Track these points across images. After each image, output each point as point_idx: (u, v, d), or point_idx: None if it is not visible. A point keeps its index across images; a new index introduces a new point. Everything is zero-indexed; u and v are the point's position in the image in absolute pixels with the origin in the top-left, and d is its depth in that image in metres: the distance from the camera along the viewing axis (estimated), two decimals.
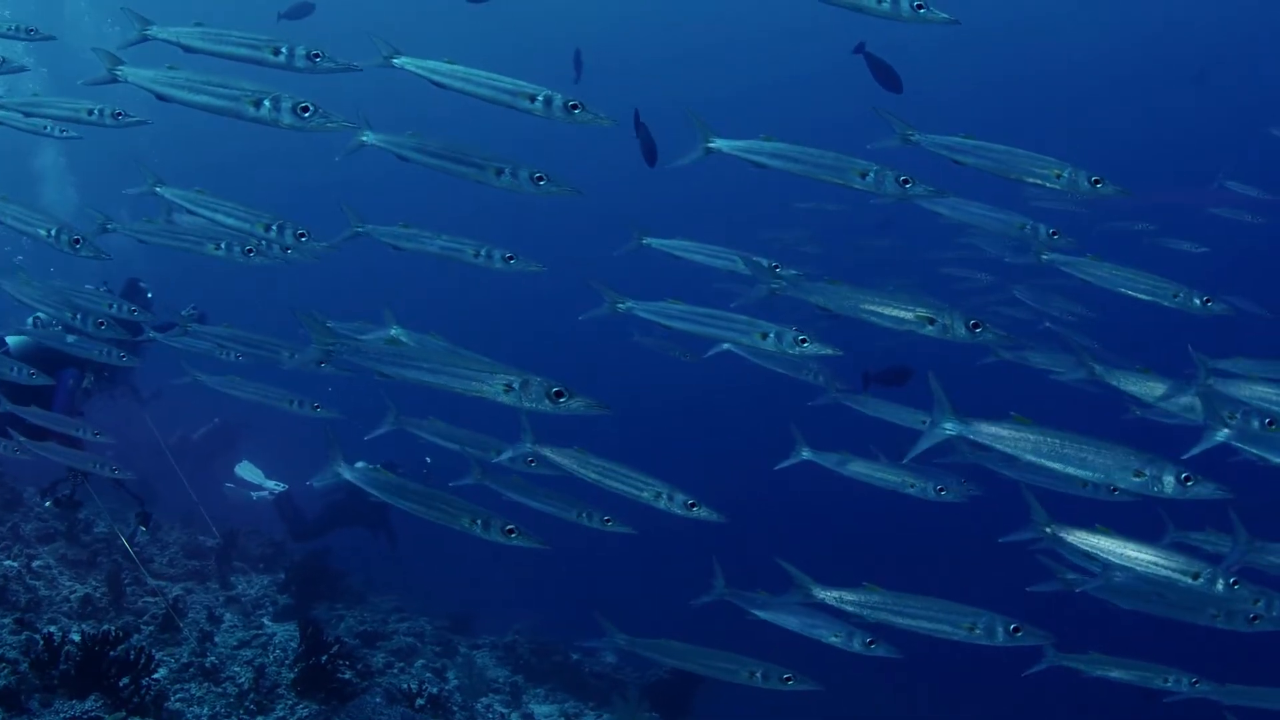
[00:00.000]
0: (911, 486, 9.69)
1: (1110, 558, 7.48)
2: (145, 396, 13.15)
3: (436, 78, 7.28)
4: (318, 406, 10.12)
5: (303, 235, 8.36)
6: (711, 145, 7.69)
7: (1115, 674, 8.74)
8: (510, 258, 8.36)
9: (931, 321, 7.43)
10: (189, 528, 14.34)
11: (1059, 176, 7.52)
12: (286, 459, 16.33)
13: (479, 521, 7.82)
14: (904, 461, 8.28)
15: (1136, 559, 7.45)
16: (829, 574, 7.86)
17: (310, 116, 6.94)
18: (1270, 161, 19.57)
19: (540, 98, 7.19)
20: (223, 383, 10.33)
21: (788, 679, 8.31)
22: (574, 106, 7.17)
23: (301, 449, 15.21)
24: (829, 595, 7.75)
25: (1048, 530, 7.45)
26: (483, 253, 8.36)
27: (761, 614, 8.58)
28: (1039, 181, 7.57)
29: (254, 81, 7.00)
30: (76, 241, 8.46)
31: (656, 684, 13.18)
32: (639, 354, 13.32)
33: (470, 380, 6.69)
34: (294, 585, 12.57)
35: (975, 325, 7.44)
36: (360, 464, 14.23)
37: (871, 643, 8.26)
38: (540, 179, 7.54)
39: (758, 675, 8.35)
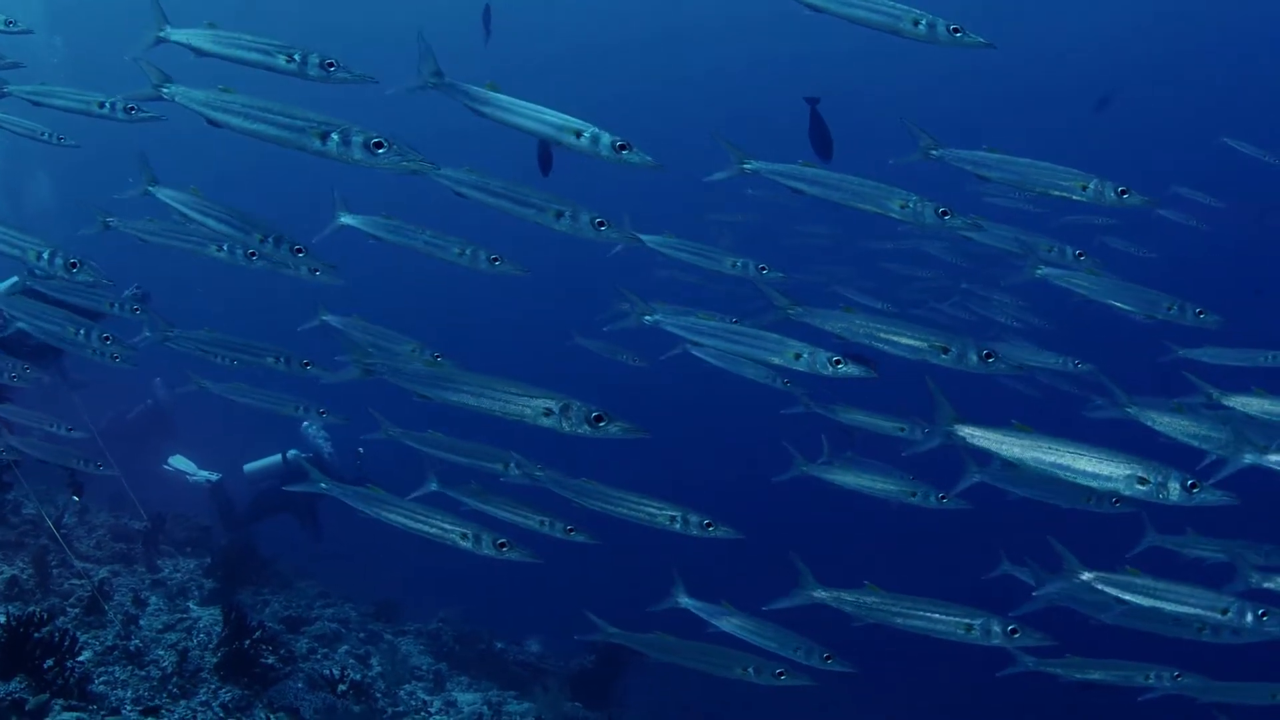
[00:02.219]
0: (913, 496, 9.93)
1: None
2: (75, 381, 13.16)
3: (476, 105, 7.03)
4: (323, 411, 10.15)
5: (300, 251, 8.11)
6: (748, 167, 7.67)
7: (1095, 675, 8.81)
8: (495, 259, 8.26)
9: (946, 351, 7.51)
10: (117, 510, 14.39)
11: (1085, 189, 7.50)
12: (219, 444, 16.35)
13: (470, 536, 8.02)
14: (904, 456, 8.35)
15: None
16: (827, 574, 7.98)
17: (385, 154, 6.45)
18: (1222, 169, 19.89)
19: (587, 134, 7.00)
20: (228, 389, 10.35)
21: (780, 674, 8.37)
22: (622, 147, 6.99)
23: (233, 434, 15.31)
24: (828, 595, 7.86)
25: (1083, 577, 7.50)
26: (468, 252, 8.27)
27: (722, 625, 8.70)
28: (1065, 194, 7.53)
29: (305, 102, 6.61)
30: (74, 265, 8.24)
31: (580, 673, 13.30)
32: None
33: (510, 404, 6.77)
34: (220, 570, 12.62)
35: (988, 355, 7.55)
36: (292, 453, 14.41)
37: (828, 657, 8.40)
38: (601, 224, 7.48)
39: (750, 670, 8.42)
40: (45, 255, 8.21)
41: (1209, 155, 18.96)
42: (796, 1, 6.79)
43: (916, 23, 6.69)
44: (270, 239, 7.99)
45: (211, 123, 6.65)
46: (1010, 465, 7.21)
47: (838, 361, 7.61)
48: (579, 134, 6.96)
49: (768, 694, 12.78)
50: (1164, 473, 6.78)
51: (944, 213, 7.48)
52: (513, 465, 8.97)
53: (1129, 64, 44.51)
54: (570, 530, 8.49)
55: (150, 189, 8.19)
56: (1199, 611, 7.49)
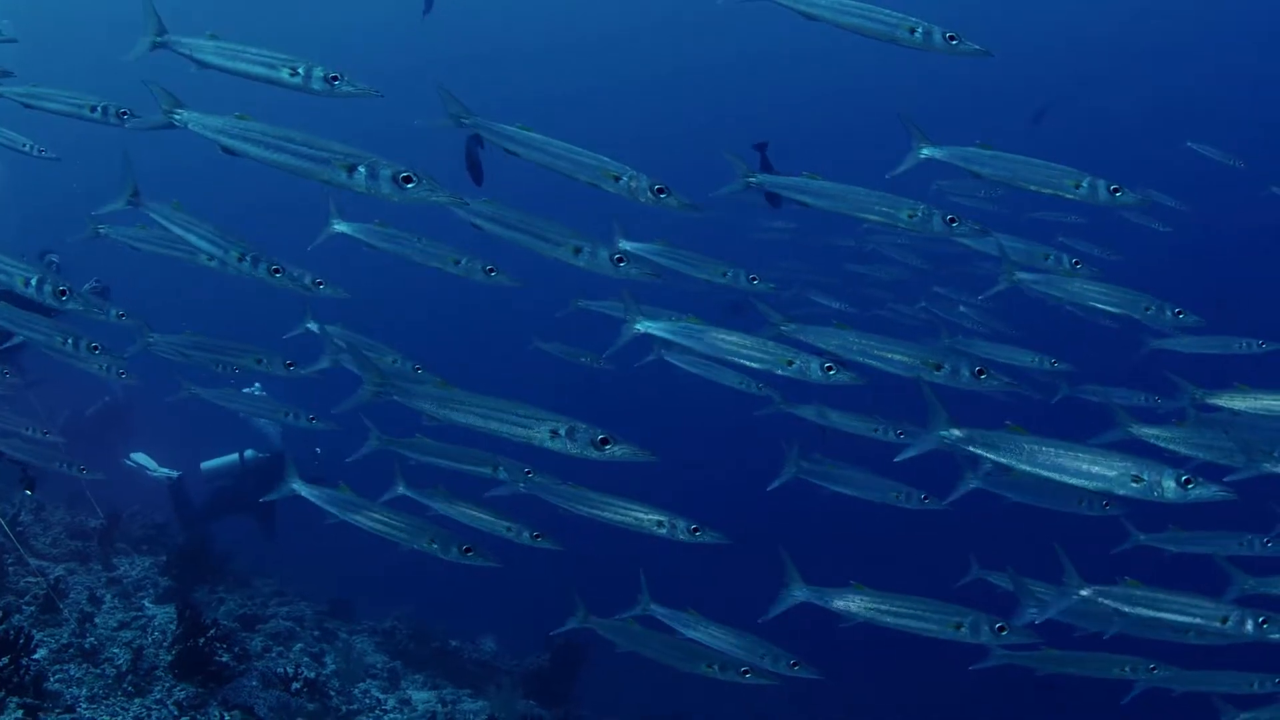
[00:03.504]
0: (897, 497, 10.05)
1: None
2: (31, 378, 13.15)
3: (510, 145, 6.98)
4: (313, 418, 10.14)
5: (277, 271, 7.97)
6: (752, 180, 7.69)
7: (1069, 669, 8.82)
8: (491, 270, 8.21)
9: (938, 368, 7.63)
10: (73, 508, 14.40)
11: (1078, 187, 7.48)
12: (176, 441, 16.37)
13: (436, 542, 8.12)
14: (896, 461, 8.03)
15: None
16: (815, 573, 7.97)
17: (413, 188, 6.27)
18: (1186, 173, 20.10)
19: (625, 178, 6.99)
20: (218, 396, 10.36)
21: (745, 672, 8.43)
22: (660, 190, 7.02)
23: (190, 431, 15.33)
24: (814, 594, 7.87)
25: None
26: (463, 262, 8.22)
27: (689, 634, 8.75)
28: (1057, 192, 7.50)
29: (324, 132, 6.31)
30: (63, 293, 7.91)
31: (534, 672, 13.42)
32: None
33: (517, 426, 6.81)
34: (175, 567, 12.67)
35: (980, 372, 7.68)
36: (249, 452, 14.47)
37: (795, 664, 8.45)
38: (620, 260, 7.47)
39: (715, 667, 8.49)
40: (34, 282, 7.92)
41: (1174, 158, 19.11)
42: (794, 10, 6.78)
43: (913, 30, 6.69)
44: (248, 257, 7.87)
45: (228, 151, 6.45)
46: (1004, 469, 7.21)
47: (830, 369, 7.67)
48: (617, 178, 6.99)
49: (725, 696, 12.97)
50: (1158, 470, 6.79)
51: (952, 220, 7.54)
52: (501, 469, 8.98)
53: (1090, 66, 44.94)
54: (537, 536, 8.57)
55: (133, 203, 7.98)
56: (1200, 621, 7.47)
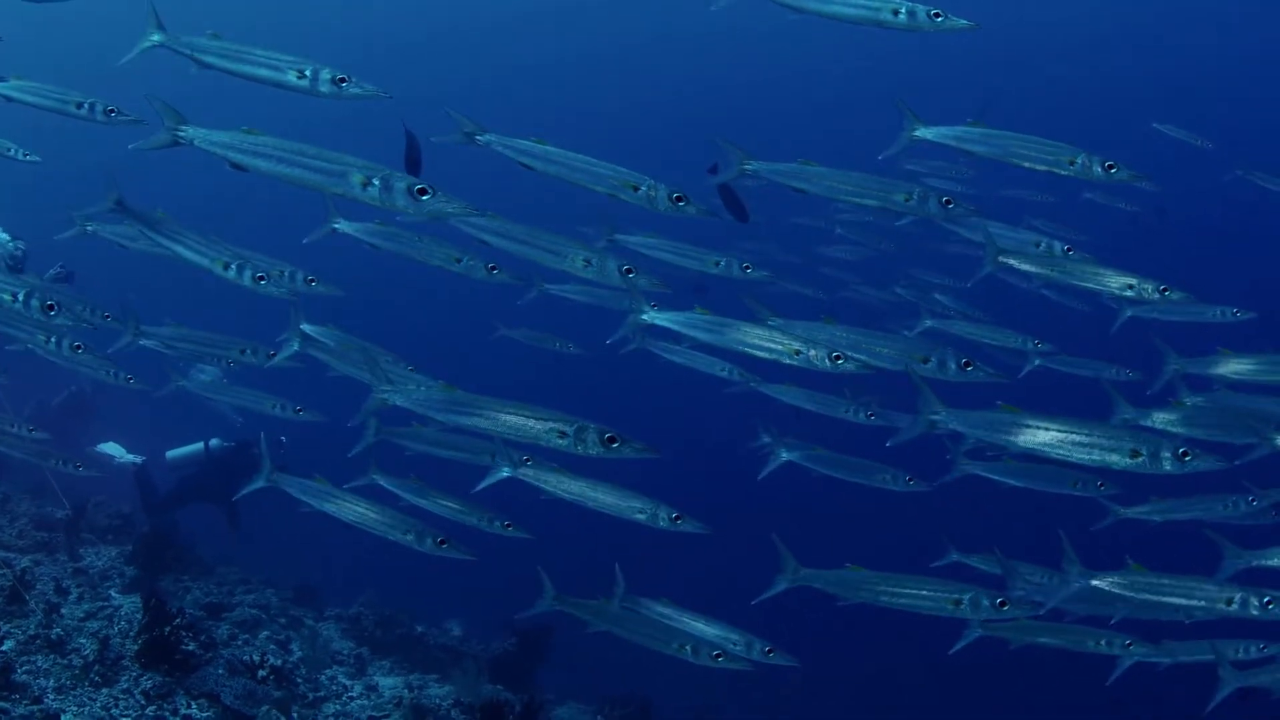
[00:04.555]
0: (884, 479, 10.21)
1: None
2: None
3: (526, 159, 6.98)
4: (300, 410, 10.15)
5: (261, 279, 7.88)
6: (748, 167, 7.64)
7: (1044, 640, 8.75)
8: (493, 268, 8.29)
9: (925, 360, 7.68)
10: (39, 499, 14.43)
11: (1072, 163, 7.44)
12: (142, 429, 16.40)
13: (412, 534, 8.22)
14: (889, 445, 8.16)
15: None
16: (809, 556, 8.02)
17: (429, 200, 6.19)
18: (1150, 154, 20.26)
19: (644, 187, 7.04)
20: (206, 387, 10.36)
21: (718, 656, 8.39)
22: (679, 199, 7.07)
23: (155, 420, 15.36)
24: (810, 575, 7.88)
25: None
26: (464, 260, 8.26)
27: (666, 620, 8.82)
28: (1051, 169, 7.48)
29: (341, 146, 6.22)
30: (51, 308, 7.87)
31: (500, 656, 13.54)
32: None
33: (525, 427, 6.91)
34: (141, 557, 12.72)
35: (967, 364, 7.74)
36: (214, 440, 14.52)
37: (770, 651, 8.47)
38: (629, 271, 7.60)
39: (688, 649, 8.45)
40: (20, 296, 7.88)
41: (1139, 138, 19.16)
42: (775, 2, 6.73)
43: (896, 12, 6.59)
44: (233, 265, 7.80)
45: (236, 167, 6.33)
46: (1000, 450, 7.36)
47: (838, 357, 7.60)
48: (636, 187, 7.03)
49: (686, 680, 13.12)
50: (1156, 443, 6.81)
51: (948, 202, 7.61)
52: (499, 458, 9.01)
53: (1056, 44, 45.21)
54: (508, 525, 8.72)
55: (115, 209, 7.93)
56: (1204, 604, 7.50)
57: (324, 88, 6.53)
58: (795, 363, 7.69)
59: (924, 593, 7.72)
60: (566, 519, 8.85)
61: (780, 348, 7.72)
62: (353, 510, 8.55)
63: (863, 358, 7.72)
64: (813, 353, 7.60)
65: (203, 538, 14.37)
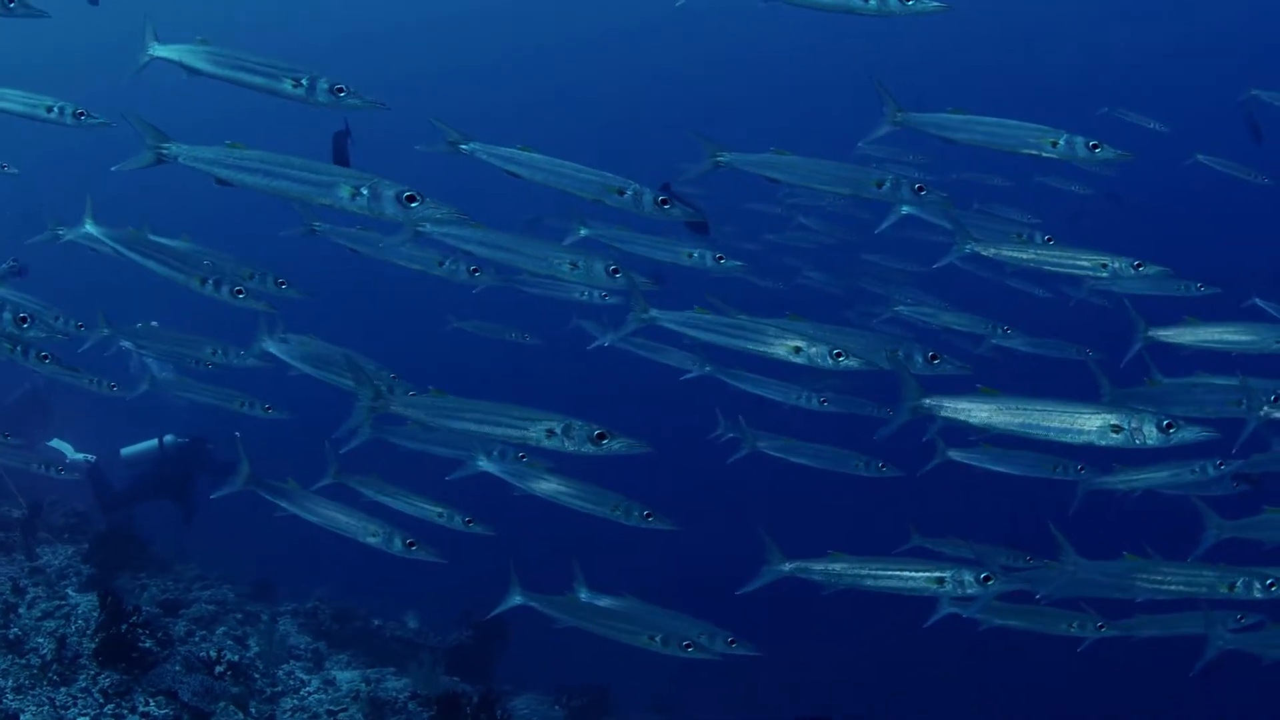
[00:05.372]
0: (856, 466, 10.33)
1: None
2: None
3: (511, 167, 7.00)
4: (269, 408, 10.16)
5: (240, 293, 7.93)
6: (721, 159, 7.64)
7: (1013, 622, 8.82)
8: (475, 270, 8.33)
9: (893, 354, 7.70)
10: None
11: (1055, 145, 7.40)
12: (95, 429, 16.37)
13: (381, 535, 8.30)
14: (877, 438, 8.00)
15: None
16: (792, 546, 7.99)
17: (418, 207, 6.18)
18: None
19: (629, 192, 7.07)
20: (176, 385, 10.36)
21: (688, 646, 8.40)
22: (664, 202, 7.10)
23: (109, 420, 15.34)
24: (796, 567, 7.85)
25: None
26: (446, 263, 8.28)
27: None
28: (1034, 152, 7.45)
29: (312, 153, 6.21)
30: (24, 320, 7.78)
31: (457, 647, 13.63)
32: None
33: (513, 428, 6.90)
34: (98, 555, 12.76)
35: (934, 357, 7.84)
36: (169, 437, 14.55)
37: (733, 642, 8.50)
38: (615, 271, 7.63)
39: (657, 640, 8.44)
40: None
41: (1093, 124, 19.27)
42: None
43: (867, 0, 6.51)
44: (210, 282, 7.85)
45: (222, 183, 6.26)
46: (982, 431, 7.17)
47: (839, 355, 7.51)
48: (621, 192, 7.07)
49: (642, 671, 13.27)
50: (1138, 418, 6.76)
51: (920, 189, 7.70)
52: (495, 455, 8.86)
53: (1010, 29, 45.48)
54: (469, 522, 8.78)
55: (89, 229, 7.88)
56: (1205, 591, 7.53)
57: (321, 97, 6.48)
58: (799, 360, 7.63)
59: (907, 574, 7.75)
60: (524, 509, 8.93)
61: (782, 351, 7.66)
62: (323, 514, 8.65)
63: (859, 361, 7.65)
64: (813, 350, 7.56)
65: (159, 534, 14.38)
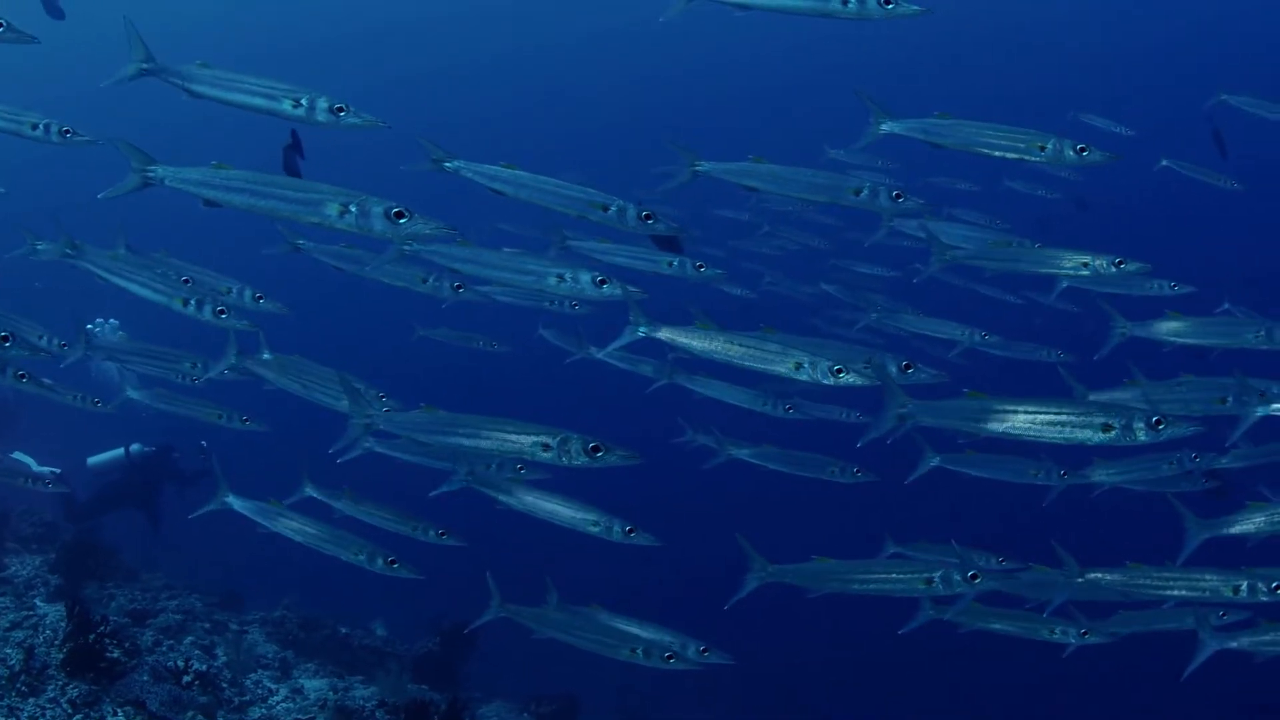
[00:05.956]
0: (832, 472, 10.33)
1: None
2: None
3: (496, 185, 6.99)
4: (246, 420, 10.17)
5: (222, 313, 7.96)
6: (699, 168, 7.59)
7: (996, 626, 8.78)
8: (459, 286, 8.35)
9: (866, 365, 7.57)
10: None
11: (1043, 149, 7.35)
12: (61, 439, 16.33)
13: (364, 554, 8.35)
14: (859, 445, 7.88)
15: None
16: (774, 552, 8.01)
17: (406, 223, 6.18)
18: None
19: (613, 207, 7.08)
20: (152, 397, 10.36)
21: (669, 658, 8.38)
22: (648, 217, 7.11)
23: (74, 429, 15.31)
24: (779, 574, 7.86)
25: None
26: (430, 280, 8.28)
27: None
28: (1021, 156, 7.41)
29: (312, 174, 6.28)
30: (4, 339, 7.59)
31: (424, 656, 13.64)
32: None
33: (507, 441, 6.92)
34: (65, 565, 12.77)
35: (907, 366, 7.90)
36: (135, 446, 14.55)
37: (705, 650, 8.51)
38: (603, 282, 7.54)
39: (639, 652, 8.42)
40: None
41: (1061, 129, 19.35)
42: (722, 3, 6.63)
43: (845, 1, 6.42)
44: (192, 301, 7.90)
45: (209, 204, 6.22)
46: (971, 437, 7.24)
47: (839, 371, 7.37)
48: (605, 207, 7.08)
49: (607, 678, 13.32)
50: (1127, 415, 6.74)
51: (898, 196, 7.59)
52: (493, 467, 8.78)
53: (979, 35, 45.71)
54: (442, 534, 8.78)
55: (70, 252, 7.94)
56: (1210, 595, 7.42)
57: (321, 117, 6.46)
58: (797, 376, 7.48)
59: (894, 575, 7.81)
60: (499, 515, 8.95)
61: (783, 369, 7.51)
62: (303, 531, 8.68)
63: (858, 378, 7.47)
64: (815, 368, 7.43)
65: (126, 544, 14.37)
